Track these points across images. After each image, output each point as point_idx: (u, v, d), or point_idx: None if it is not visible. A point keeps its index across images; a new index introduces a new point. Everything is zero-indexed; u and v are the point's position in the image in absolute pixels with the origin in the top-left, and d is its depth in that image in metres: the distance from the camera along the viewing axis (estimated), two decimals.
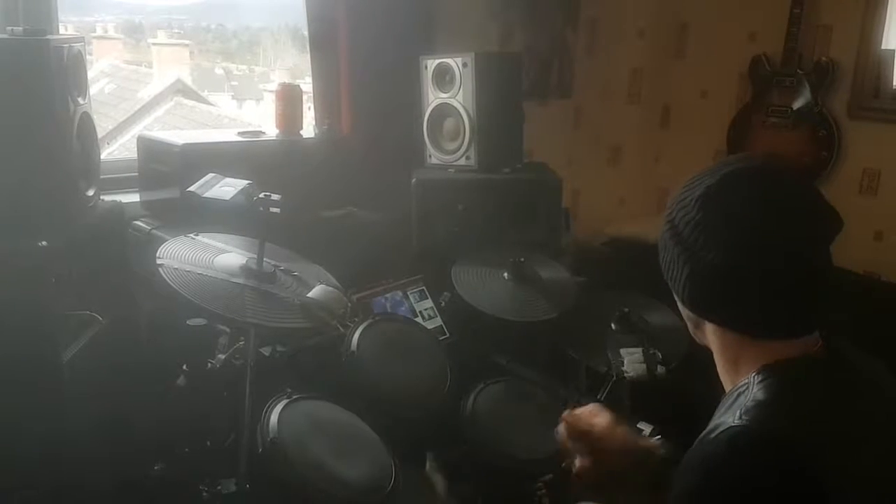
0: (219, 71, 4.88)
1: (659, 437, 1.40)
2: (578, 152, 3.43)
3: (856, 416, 1.04)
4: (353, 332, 1.92)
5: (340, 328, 1.90)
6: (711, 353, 1.20)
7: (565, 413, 1.31)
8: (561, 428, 1.29)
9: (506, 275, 2.17)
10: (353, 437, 1.71)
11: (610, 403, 1.83)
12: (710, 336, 1.13)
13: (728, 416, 1.01)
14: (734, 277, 1.03)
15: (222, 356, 1.74)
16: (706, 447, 1.00)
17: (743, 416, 0.99)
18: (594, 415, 1.29)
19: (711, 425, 1.04)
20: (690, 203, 1.07)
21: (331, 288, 1.78)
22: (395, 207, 2.49)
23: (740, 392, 1.05)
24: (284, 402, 1.66)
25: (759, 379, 1.04)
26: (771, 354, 1.05)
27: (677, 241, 1.08)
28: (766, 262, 1.02)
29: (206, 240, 1.81)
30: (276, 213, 1.70)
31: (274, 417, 1.60)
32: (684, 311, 1.16)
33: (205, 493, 1.56)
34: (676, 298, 1.15)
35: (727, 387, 1.13)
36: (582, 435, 1.27)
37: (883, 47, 3.06)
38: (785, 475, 0.94)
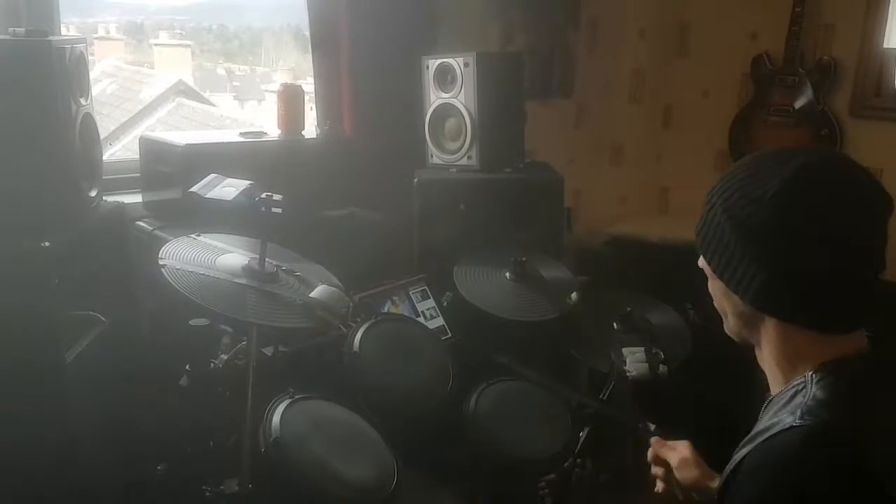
0: (220, 71, 4.89)
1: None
2: (580, 152, 3.42)
3: None
4: (355, 332, 1.92)
5: (342, 328, 1.90)
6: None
7: (654, 439, 1.47)
8: (650, 451, 1.46)
9: (508, 274, 2.17)
10: (355, 437, 1.72)
11: (612, 403, 1.84)
12: (770, 332, 1.10)
13: (786, 416, 1.01)
14: (816, 277, 1.02)
15: (225, 356, 1.74)
16: (770, 449, 1.00)
17: (806, 416, 0.98)
18: (675, 450, 1.42)
19: (765, 424, 1.04)
20: (763, 201, 1.03)
21: (333, 288, 1.78)
22: (397, 207, 2.49)
23: (797, 390, 1.04)
24: (287, 402, 1.66)
25: (818, 378, 1.03)
26: (829, 350, 1.05)
27: (748, 241, 1.05)
28: (847, 258, 1.01)
29: (208, 240, 1.81)
30: (277, 213, 1.70)
31: (276, 417, 1.61)
32: (738, 308, 1.12)
33: (207, 493, 1.56)
34: (733, 293, 1.10)
35: (776, 384, 1.12)
36: (662, 464, 1.42)
37: (885, 46, 3.06)
38: (852, 475, 0.95)
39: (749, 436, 1.08)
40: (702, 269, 1.17)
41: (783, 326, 1.07)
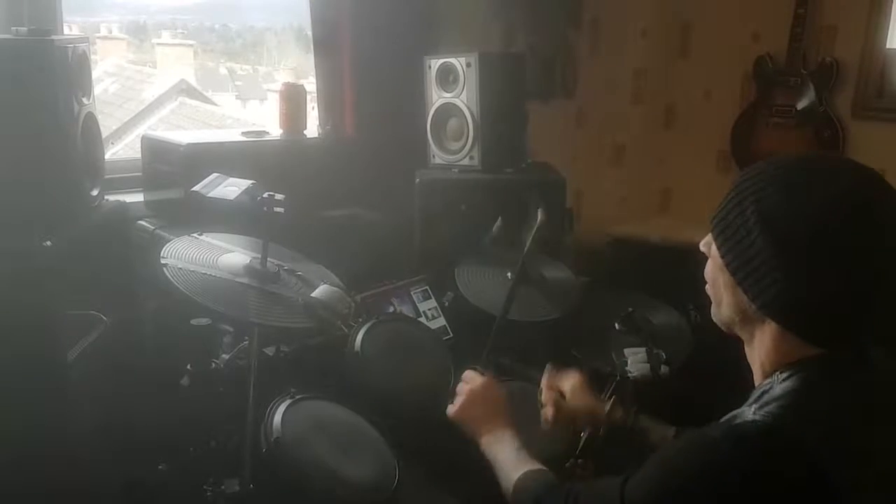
0: (223, 71, 4.90)
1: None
2: (581, 152, 3.42)
3: (877, 415, 1.04)
4: (357, 332, 1.92)
5: (344, 328, 1.90)
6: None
7: (548, 368, 1.67)
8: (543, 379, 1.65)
9: (509, 275, 2.17)
10: (356, 437, 1.71)
11: (613, 403, 1.84)
12: (766, 334, 1.08)
13: (746, 409, 1.02)
14: (836, 300, 0.99)
15: (226, 356, 1.75)
16: (714, 430, 1.01)
17: (758, 412, 1.00)
18: (567, 378, 1.64)
19: (729, 416, 1.05)
20: (803, 212, 0.99)
21: (334, 288, 1.78)
22: (399, 207, 2.49)
23: (764, 390, 1.05)
24: (288, 402, 1.66)
25: (783, 377, 1.04)
26: (814, 353, 1.04)
27: (775, 248, 1.00)
28: (875, 288, 0.99)
29: (209, 239, 1.81)
30: (279, 212, 1.70)
31: (277, 417, 1.61)
32: (742, 305, 1.09)
33: (208, 493, 1.56)
34: (742, 291, 1.07)
35: (758, 379, 1.12)
36: (554, 389, 1.63)
37: (887, 47, 3.06)
38: (790, 468, 0.95)
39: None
40: (703, 253, 1.15)
41: (783, 332, 1.05)
